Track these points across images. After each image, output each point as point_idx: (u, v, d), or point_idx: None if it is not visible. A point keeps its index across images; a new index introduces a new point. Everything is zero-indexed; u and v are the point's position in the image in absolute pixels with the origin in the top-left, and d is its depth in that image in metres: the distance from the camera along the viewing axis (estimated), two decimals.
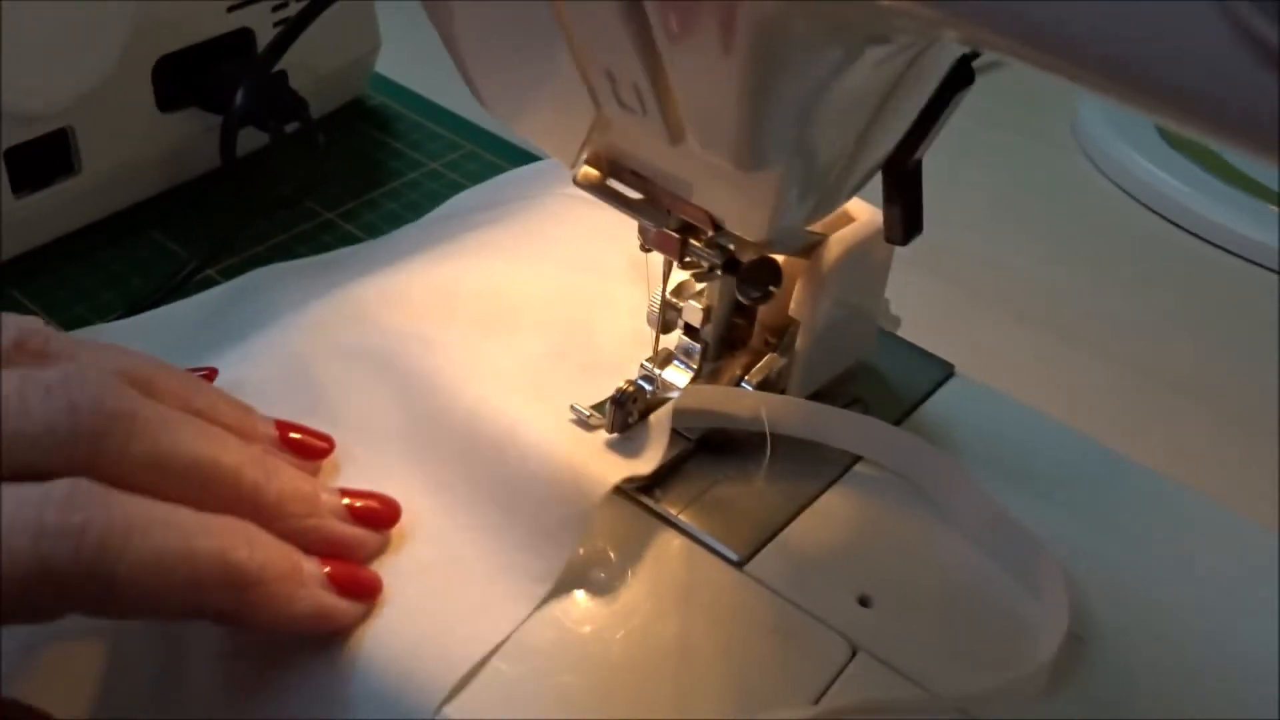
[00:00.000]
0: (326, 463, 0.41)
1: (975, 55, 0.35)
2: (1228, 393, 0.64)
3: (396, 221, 0.65)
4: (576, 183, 0.39)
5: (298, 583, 0.35)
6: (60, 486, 0.31)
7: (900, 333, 0.50)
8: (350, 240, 0.64)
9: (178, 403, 0.36)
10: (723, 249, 0.39)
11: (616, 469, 0.40)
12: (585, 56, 0.32)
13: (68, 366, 0.34)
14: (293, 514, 0.36)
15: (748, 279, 0.39)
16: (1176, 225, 0.76)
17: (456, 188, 0.68)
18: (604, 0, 0.29)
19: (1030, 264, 0.71)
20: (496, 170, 0.70)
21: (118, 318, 0.56)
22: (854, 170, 0.35)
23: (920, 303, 0.51)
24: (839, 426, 0.44)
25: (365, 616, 0.37)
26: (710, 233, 0.37)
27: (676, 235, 0.39)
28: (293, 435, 0.40)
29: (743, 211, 0.35)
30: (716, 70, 0.29)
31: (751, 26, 0.27)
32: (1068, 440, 0.47)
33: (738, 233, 0.37)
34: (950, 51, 0.34)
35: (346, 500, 0.38)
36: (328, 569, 0.36)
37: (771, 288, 0.41)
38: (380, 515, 0.39)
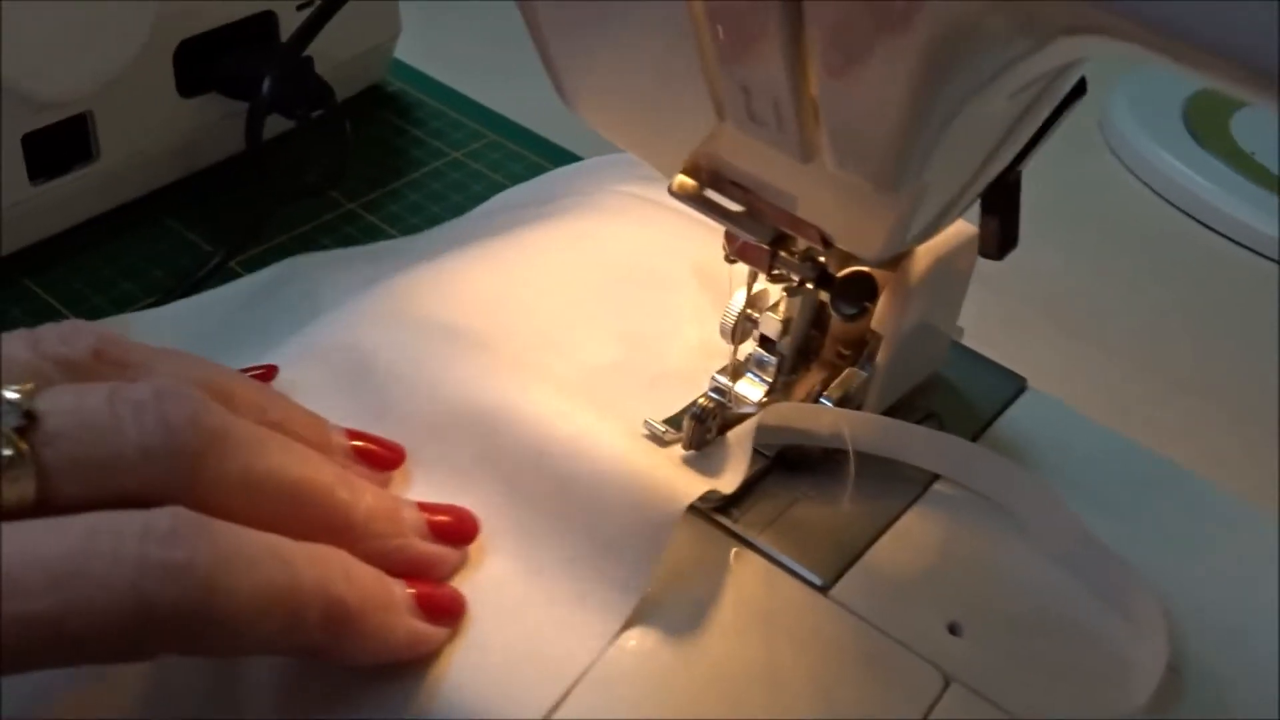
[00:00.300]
0: (397, 471, 0.40)
1: None
2: (1265, 397, 0.63)
3: (419, 212, 0.63)
4: (671, 192, 0.37)
5: (395, 613, 0.33)
6: (161, 518, 0.29)
7: None
8: (373, 230, 0.62)
9: (255, 415, 0.35)
10: (814, 262, 0.38)
11: (698, 483, 0.39)
12: (722, 66, 0.31)
13: (156, 381, 0.32)
14: (379, 534, 0.35)
15: (843, 294, 0.38)
16: (1206, 226, 0.75)
17: (479, 178, 0.66)
18: (761, 1, 0.27)
19: (1058, 263, 0.71)
20: (520, 160, 0.68)
21: (140, 310, 0.54)
22: (970, 193, 0.34)
23: None
24: (925, 447, 0.42)
25: (452, 638, 0.35)
26: (821, 250, 0.36)
27: (767, 247, 0.37)
28: (364, 445, 0.39)
29: (859, 230, 0.34)
30: (877, 82, 0.27)
31: (936, 27, 0.26)
32: (1145, 461, 0.46)
33: (848, 249, 0.36)
34: (1072, 76, 0.33)
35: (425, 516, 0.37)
36: (413, 591, 0.35)
37: (867, 304, 0.39)
38: (460, 531, 0.37)
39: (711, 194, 0.36)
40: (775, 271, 0.38)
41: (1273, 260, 0.73)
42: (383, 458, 0.39)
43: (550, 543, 0.38)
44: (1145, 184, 0.78)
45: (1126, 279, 0.71)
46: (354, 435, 0.39)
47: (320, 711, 0.35)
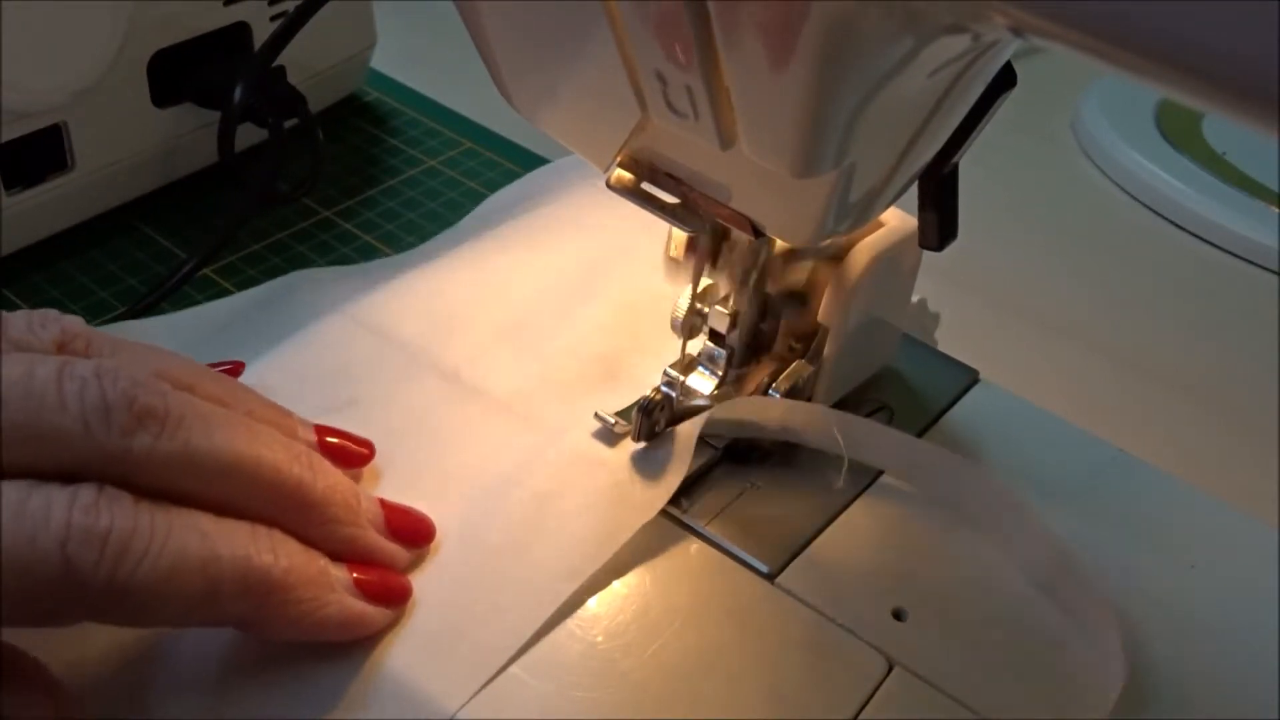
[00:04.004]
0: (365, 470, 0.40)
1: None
2: (1227, 393, 0.63)
3: (395, 219, 0.64)
4: (609, 185, 0.38)
5: (326, 587, 0.34)
6: (87, 490, 0.30)
7: None
8: (347, 237, 0.63)
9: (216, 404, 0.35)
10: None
11: (646, 506, 0.40)
12: (635, 57, 0.31)
13: (102, 360, 0.33)
14: (334, 519, 0.35)
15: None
16: (1176, 225, 0.76)
17: (455, 185, 0.67)
18: (663, 0, 0.28)
19: (1029, 263, 0.71)
20: (495, 167, 0.69)
21: (116, 318, 0.54)
22: (899, 177, 0.35)
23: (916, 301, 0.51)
24: (873, 441, 0.43)
25: (394, 622, 0.36)
26: (750, 238, 0.36)
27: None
28: (332, 440, 0.39)
29: (787, 218, 0.35)
30: (779, 73, 0.28)
31: (823, 25, 0.27)
32: (1095, 449, 0.46)
33: (778, 238, 0.36)
34: (999, 56, 0.33)
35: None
36: (355, 574, 0.35)
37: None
38: (416, 532, 0.38)
39: (648, 187, 0.37)
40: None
41: (1245, 260, 0.73)
42: (352, 453, 0.39)
43: (498, 542, 0.39)
44: (1118, 185, 0.79)
45: (1099, 280, 0.71)
46: (323, 430, 0.39)
47: (259, 678, 0.35)
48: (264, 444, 0.34)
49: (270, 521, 0.34)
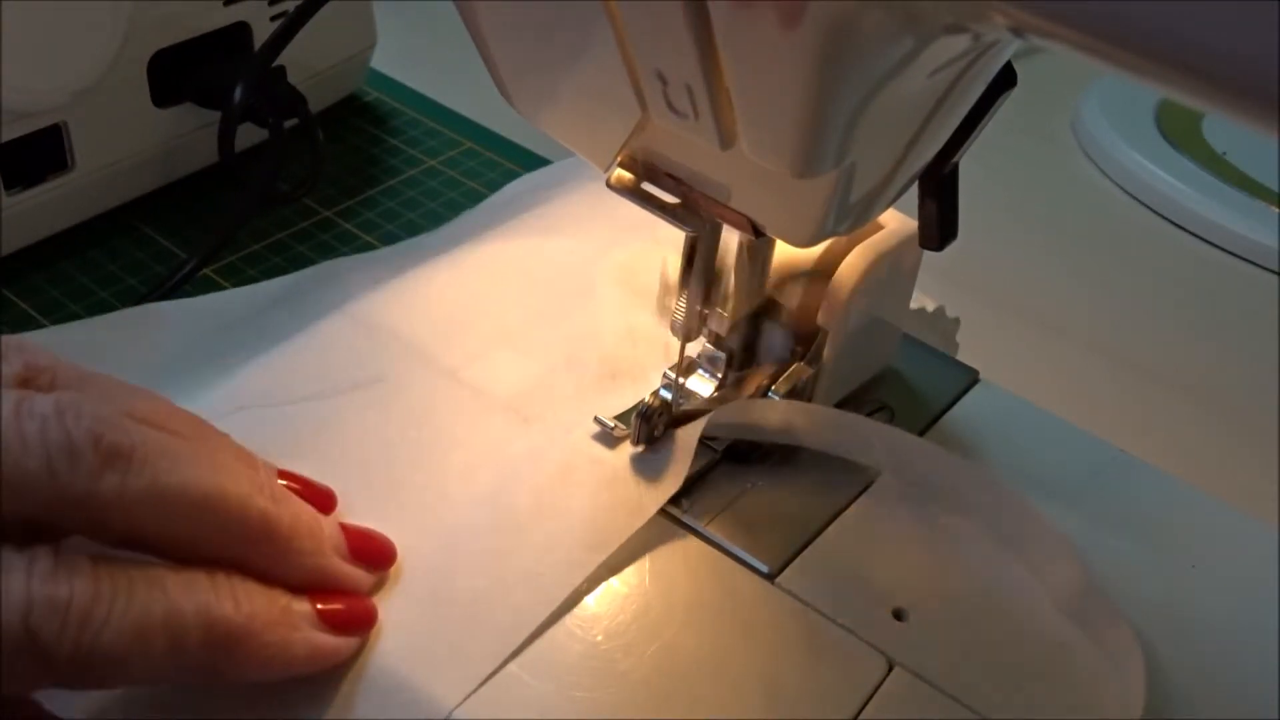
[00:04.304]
0: None
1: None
2: (1227, 393, 0.63)
3: (395, 219, 0.64)
4: (609, 185, 0.38)
5: (290, 627, 0.33)
6: (44, 556, 0.30)
7: None
8: (348, 237, 0.63)
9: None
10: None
11: (644, 508, 0.40)
12: (635, 57, 0.31)
13: (60, 395, 0.32)
14: (300, 550, 0.35)
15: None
16: (1176, 225, 0.76)
17: (455, 185, 0.67)
18: (663, 0, 0.28)
19: (1028, 263, 0.71)
20: (495, 167, 0.69)
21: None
22: (900, 177, 0.35)
23: (916, 303, 0.50)
24: (875, 441, 0.43)
25: (360, 649, 0.35)
26: (751, 238, 0.36)
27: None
28: (293, 486, 0.38)
29: (787, 217, 0.35)
30: (780, 73, 0.28)
31: (822, 25, 0.27)
32: (1095, 449, 0.46)
33: (778, 238, 0.36)
34: (999, 56, 0.33)
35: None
36: (319, 606, 0.35)
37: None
38: (378, 554, 0.37)
39: (648, 187, 0.37)
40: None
41: (1245, 260, 0.73)
42: (311, 502, 0.38)
43: (492, 536, 0.39)
44: (1118, 185, 0.79)
45: (1099, 280, 0.71)
46: (285, 476, 0.38)
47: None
48: (229, 477, 0.33)
49: (237, 556, 0.33)
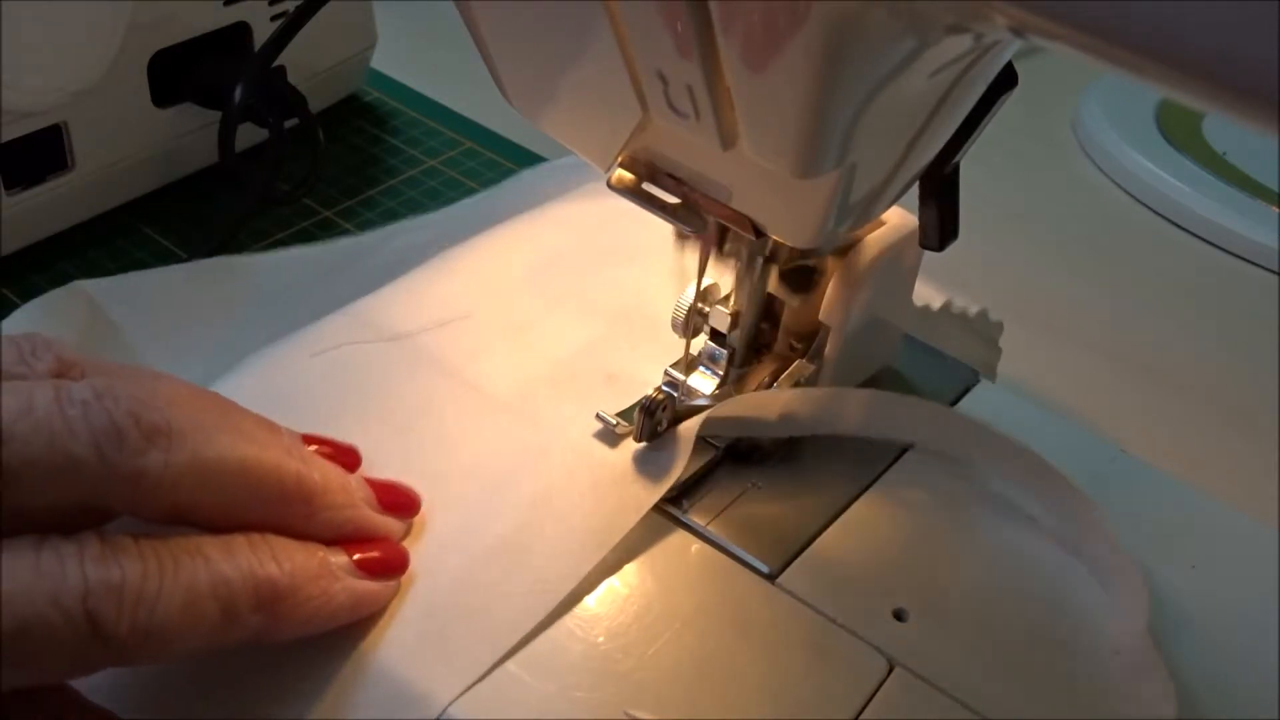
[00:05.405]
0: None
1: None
2: (1227, 393, 0.63)
3: (395, 219, 0.64)
4: (610, 186, 0.38)
5: (330, 578, 0.35)
6: (91, 540, 0.31)
7: None
8: (349, 238, 0.63)
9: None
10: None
11: (643, 503, 0.40)
12: (636, 57, 0.31)
13: (95, 381, 0.33)
14: (333, 505, 0.36)
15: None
16: (1176, 225, 0.76)
17: (455, 185, 0.67)
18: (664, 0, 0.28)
19: (1029, 262, 0.71)
20: (495, 167, 0.69)
21: None
22: (900, 177, 0.35)
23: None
24: (899, 416, 0.43)
25: (396, 592, 0.37)
26: (752, 238, 0.36)
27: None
28: (319, 449, 0.39)
29: (788, 218, 0.35)
30: (781, 73, 0.28)
31: (825, 26, 0.27)
32: (1097, 450, 0.46)
33: (779, 238, 0.36)
34: (1000, 57, 0.33)
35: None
36: (356, 556, 0.36)
37: (816, 275, 0.40)
38: (406, 504, 0.39)
39: (649, 187, 0.37)
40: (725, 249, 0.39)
41: (1245, 260, 0.73)
42: (336, 461, 0.39)
43: (492, 535, 0.39)
44: (1118, 185, 0.79)
45: (1099, 279, 0.71)
46: (309, 440, 0.39)
47: (250, 676, 0.36)
48: (259, 444, 0.35)
49: (274, 517, 0.35)
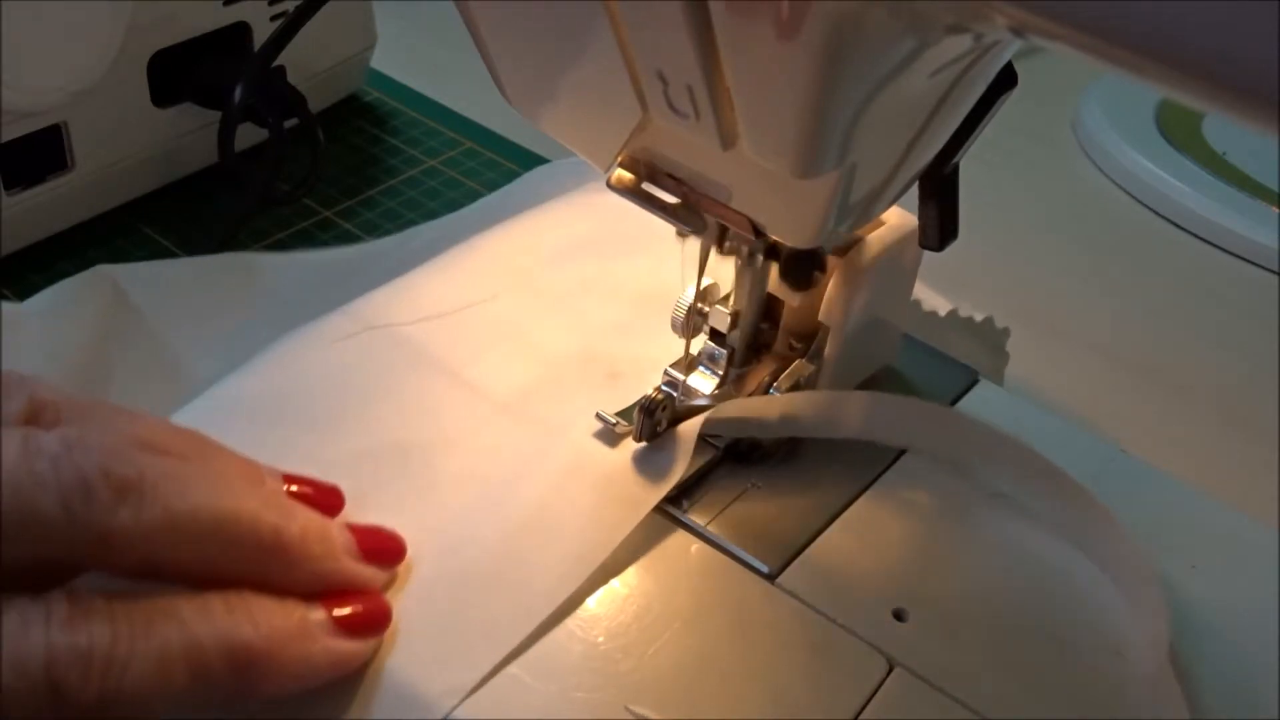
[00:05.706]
0: None
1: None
2: (1228, 393, 0.63)
3: (395, 219, 0.64)
4: (610, 186, 0.38)
5: (309, 639, 0.33)
6: (58, 601, 0.30)
7: None
8: (347, 237, 0.63)
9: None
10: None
11: (643, 503, 0.40)
12: (636, 57, 0.31)
13: (65, 431, 0.32)
14: (312, 557, 0.35)
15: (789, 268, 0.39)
16: (1176, 225, 0.76)
17: (455, 185, 0.67)
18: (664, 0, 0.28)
19: (1028, 263, 0.71)
20: (495, 167, 0.69)
21: None
22: (900, 177, 0.35)
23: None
24: (901, 421, 0.43)
25: (378, 649, 0.36)
26: (751, 238, 0.36)
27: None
28: (301, 490, 0.38)
29: (788, 218, 0.35)
30: (781, 73, 0.28)
31: (825, 25, 0.27)
32: (1096, 450, 0.46)
33: (779, 239, 0.36)
34: (1000, 57, 0.33)
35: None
36: (335, 612, 0.35)
37: (817, 272, 0.40)
38: (390, 552, 0.37)
39: (649, 187, 0.37)
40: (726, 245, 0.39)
41: (1245, 260, 0.73)
42: (318, 503, 0.38)
43: (492, 536, 0.39)
44: (1119, 186, 0.79)
45: (1099, 280, 0.71)
46: (290, 480, 0.38)
47: None
48: (237, 496, 0.34)
49: (251, 571, 0.33)
